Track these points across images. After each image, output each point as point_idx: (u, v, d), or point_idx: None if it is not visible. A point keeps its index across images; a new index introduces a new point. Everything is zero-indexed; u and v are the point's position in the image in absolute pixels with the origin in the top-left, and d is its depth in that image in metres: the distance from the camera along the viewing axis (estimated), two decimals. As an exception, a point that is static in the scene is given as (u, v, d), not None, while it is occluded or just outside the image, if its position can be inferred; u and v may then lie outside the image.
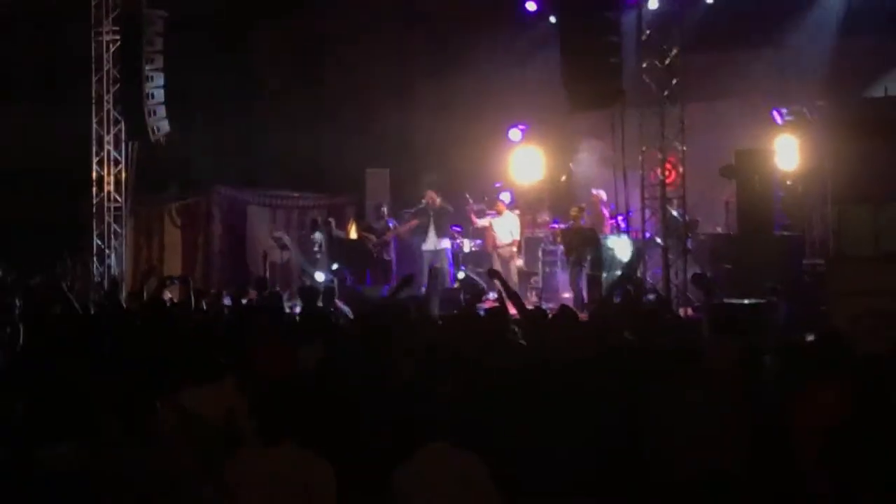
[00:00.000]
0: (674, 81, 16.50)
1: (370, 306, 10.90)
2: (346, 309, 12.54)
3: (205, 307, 12.31)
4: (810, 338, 8.20)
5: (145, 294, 11.58)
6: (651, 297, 14.74)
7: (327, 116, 27.18)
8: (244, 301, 13.36)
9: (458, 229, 20.12)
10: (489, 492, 5.41)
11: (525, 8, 21.93)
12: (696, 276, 15.12)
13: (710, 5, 19.55)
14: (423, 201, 19.61)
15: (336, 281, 18.73)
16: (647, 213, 17.21)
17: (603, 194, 19.18)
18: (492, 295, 14.79)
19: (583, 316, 10.10)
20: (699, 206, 19.33)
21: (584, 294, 17.42)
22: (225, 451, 6.05)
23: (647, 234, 17.34)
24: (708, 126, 19.53)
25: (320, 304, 12.07)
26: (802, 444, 6.00)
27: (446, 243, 19.52)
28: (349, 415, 6.34)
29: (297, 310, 13.18)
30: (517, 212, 20.20)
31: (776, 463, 6.18)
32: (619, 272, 17.47)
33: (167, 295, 13.94)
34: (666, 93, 16.58)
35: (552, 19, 19.75)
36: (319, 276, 19.37)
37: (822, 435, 5.52)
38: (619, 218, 18.73)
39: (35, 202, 29.84)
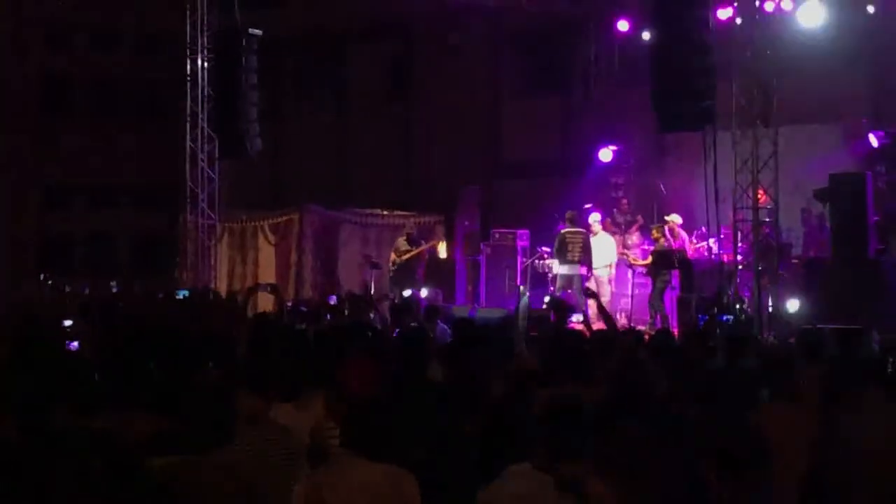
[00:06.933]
0: (768, 103, 16.31)
1: (464, 325, 10.91)
2: (443, 327, 12.59)
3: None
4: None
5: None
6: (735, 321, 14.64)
7: (419, 135, 27.40)
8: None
9: (547, 250, 19.92)
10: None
11: (617, 27, 21.87)
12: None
13: (804, 27, 19.33)
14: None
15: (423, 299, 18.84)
16: (739, 235, 17.01)
17: (677, 218, 18.91)
18: (575, 317, 14.71)
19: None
20: (793, 230, 19.09)
21: (673, 315, 17.35)
22: (310, 466, 6.13)
23: (739, 258, 17.14)
24: (802, 148, 19.26)
25: (414, 322, 12.15)
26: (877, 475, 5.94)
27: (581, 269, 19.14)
28: (436, 431, 6.36)
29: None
30: (608, 233, 20.07)
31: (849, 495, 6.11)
32: (705, 295, 17.32)
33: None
34: (759, 114, 16.39)
35: (644, 37, 19.55)
36: (407, 294, 19.43)
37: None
38: (711, 240, 18.54)
39: (132, 217, 30.52)
